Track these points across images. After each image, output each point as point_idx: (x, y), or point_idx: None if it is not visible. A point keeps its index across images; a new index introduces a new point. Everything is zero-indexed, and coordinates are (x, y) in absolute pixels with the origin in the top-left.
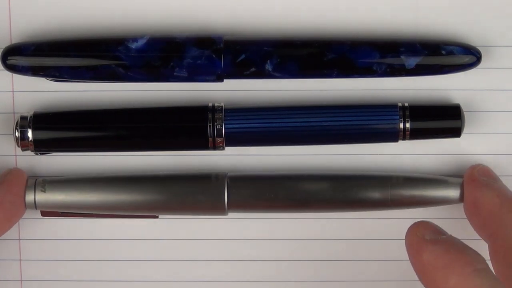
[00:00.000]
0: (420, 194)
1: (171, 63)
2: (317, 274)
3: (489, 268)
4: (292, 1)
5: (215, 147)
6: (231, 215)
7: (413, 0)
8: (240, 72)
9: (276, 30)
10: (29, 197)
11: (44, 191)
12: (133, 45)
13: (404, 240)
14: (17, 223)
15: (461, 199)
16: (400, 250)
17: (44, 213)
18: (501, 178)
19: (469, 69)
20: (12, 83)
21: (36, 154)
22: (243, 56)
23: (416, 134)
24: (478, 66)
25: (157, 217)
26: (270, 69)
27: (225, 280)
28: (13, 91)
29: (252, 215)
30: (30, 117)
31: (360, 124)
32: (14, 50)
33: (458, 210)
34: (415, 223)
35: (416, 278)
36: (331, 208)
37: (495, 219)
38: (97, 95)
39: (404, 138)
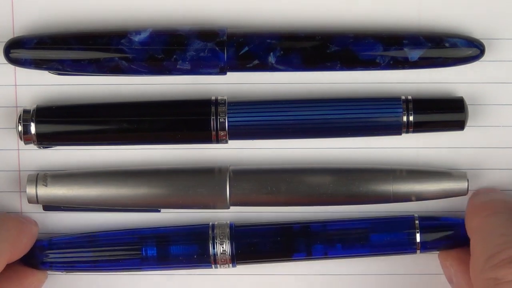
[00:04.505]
0: (423, 187)
1: (174, 56)
2: (318, 268)
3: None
4: None
5: (218, 140)
6: (233, 208)
7: None
8: (243, 64)
9: (279, 23)
10: (31, 191)
11: (46, 185)
12: (136, 38)
13: None
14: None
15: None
16: None
17: (46, 208)
18: (504, 171)
19: (472, 62)
20: (15, 76)
21: (39, 147)
22: (246, 49)
23: (419, 127)
24: (482, 59)
25: (159, 211)
26: (273, 62)
27: (225, 274)
28: (15, 85)
29: (254, 208)
30: (33, 110)
31: (363, 117)
32: (17, 43)
33: (462, 202)
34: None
35: (420, 272)
36: (334, 202)
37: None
38: (100, 88)
39: (407, 131)
